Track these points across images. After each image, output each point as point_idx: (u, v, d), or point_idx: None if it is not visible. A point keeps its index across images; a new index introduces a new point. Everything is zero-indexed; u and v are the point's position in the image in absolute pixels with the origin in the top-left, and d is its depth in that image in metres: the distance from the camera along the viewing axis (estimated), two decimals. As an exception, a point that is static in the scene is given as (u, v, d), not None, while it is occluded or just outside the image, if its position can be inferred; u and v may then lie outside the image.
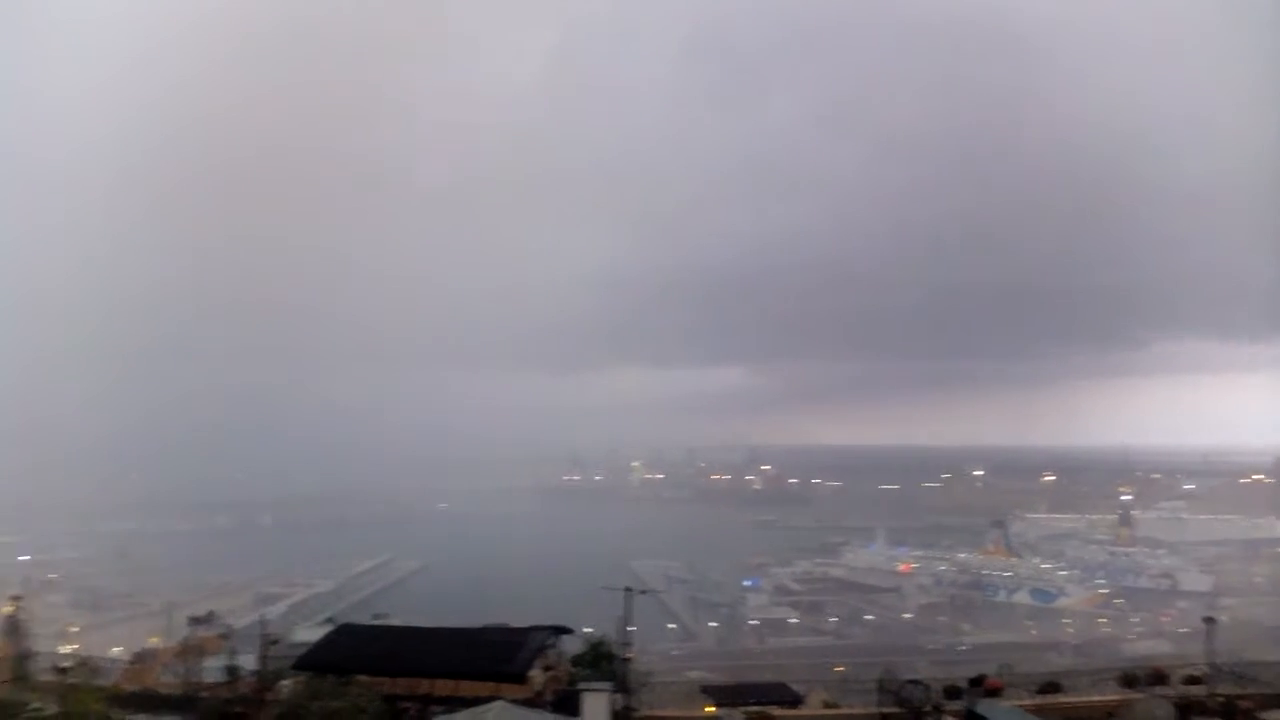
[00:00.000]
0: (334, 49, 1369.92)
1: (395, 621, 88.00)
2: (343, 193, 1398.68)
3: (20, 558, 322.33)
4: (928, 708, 55.94)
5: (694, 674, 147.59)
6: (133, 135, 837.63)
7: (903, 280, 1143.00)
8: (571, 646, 66.46)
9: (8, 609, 72.20)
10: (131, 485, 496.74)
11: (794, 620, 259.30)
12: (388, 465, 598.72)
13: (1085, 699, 62.98)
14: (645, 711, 57.34)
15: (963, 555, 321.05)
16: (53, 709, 48.92)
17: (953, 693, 60.40)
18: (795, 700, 64.00)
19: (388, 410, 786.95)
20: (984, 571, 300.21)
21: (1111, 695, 63.22)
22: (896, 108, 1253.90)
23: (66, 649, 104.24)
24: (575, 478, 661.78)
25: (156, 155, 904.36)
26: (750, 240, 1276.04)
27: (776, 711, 58.03)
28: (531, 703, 51.70)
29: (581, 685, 52.04)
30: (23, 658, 67.84)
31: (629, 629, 64.16)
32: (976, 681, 63.12)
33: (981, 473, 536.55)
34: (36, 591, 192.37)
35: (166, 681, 63.82)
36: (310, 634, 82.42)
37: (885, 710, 56.79)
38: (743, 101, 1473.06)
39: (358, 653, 62.10)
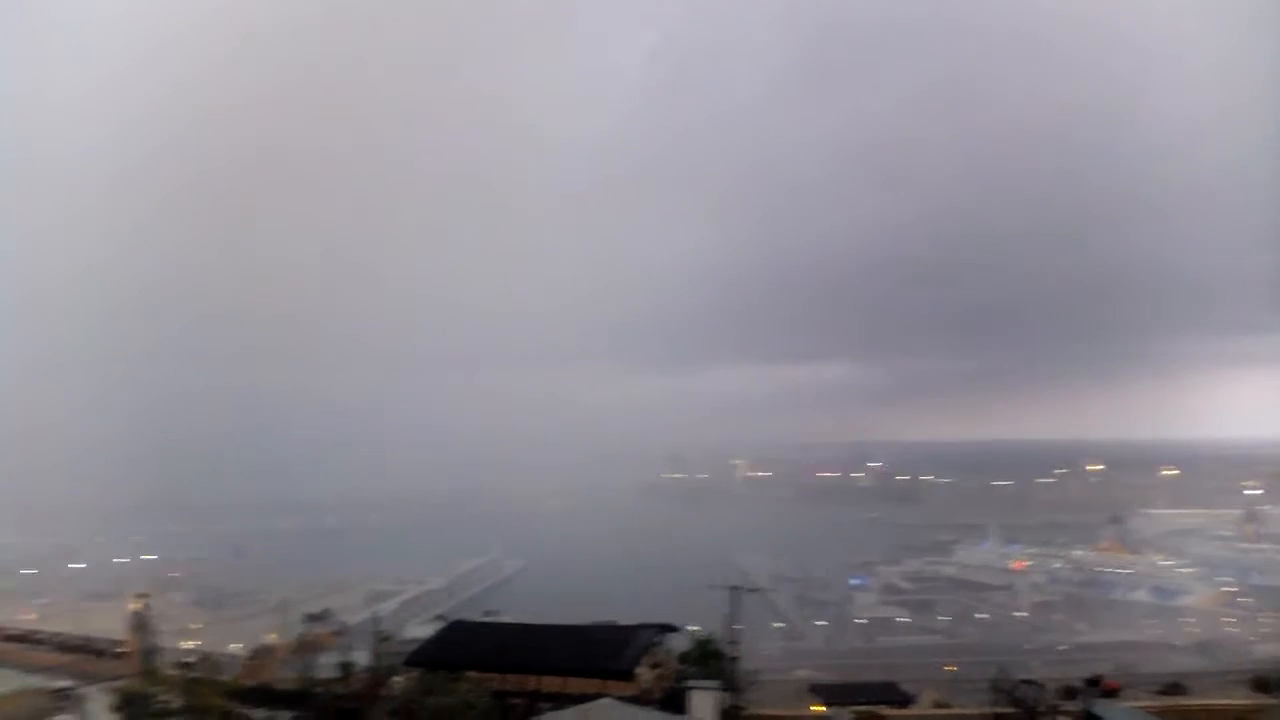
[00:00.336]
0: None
1: (504, 619, 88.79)
2: (425, 200, 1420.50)
3: (145, 557, 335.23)
4: (1043, 708, 54.45)
5: (801, 673, 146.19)
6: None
7: (1012, 271, 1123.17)
8: (678, 644, 66.21)
9: (135, 606, 74.92)
10: (243, 487, 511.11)
11: (903, 619, 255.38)
12: (494, 465, 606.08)
13: (1212, 702, 60.20)
14: (753, 710, 56.95)
15: (1078, 552, 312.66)
16: (178, 702, 50.44)
17: (1069, 693, 58.85)
18: (906, 700, 63.04)
19: (493, 411, 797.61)
20: (1100, 569, 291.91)
21: (1241, 699, 60.60)
22: (999, 96, 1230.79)
23: (189, 645, 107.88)
24: (678, 476, 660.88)
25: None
26: (856, 233, 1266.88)
27: (886, 711, 57.19)
28: (638, 700, 51.60)
29: (689, 683, 51.85)
30: (149, 652, 70.37)
31: (735, 627, 63.82)
32: (1093, 682, 61.47)
33: (1098, 467, 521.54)
34: (160, 589, 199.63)
35: (283, 677, 65.40)
36: (421, 631, 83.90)
37: (999, 710, 55.46)
38: (843, 92, 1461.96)
39: (468, 649, 62.88)
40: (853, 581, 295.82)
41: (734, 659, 60.90)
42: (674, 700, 52.24)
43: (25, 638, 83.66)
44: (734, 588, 65.18)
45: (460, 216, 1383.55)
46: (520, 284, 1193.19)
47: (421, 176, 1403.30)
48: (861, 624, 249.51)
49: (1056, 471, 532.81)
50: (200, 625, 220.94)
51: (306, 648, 69.68)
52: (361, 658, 65.30)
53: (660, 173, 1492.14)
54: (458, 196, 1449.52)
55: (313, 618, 77.02)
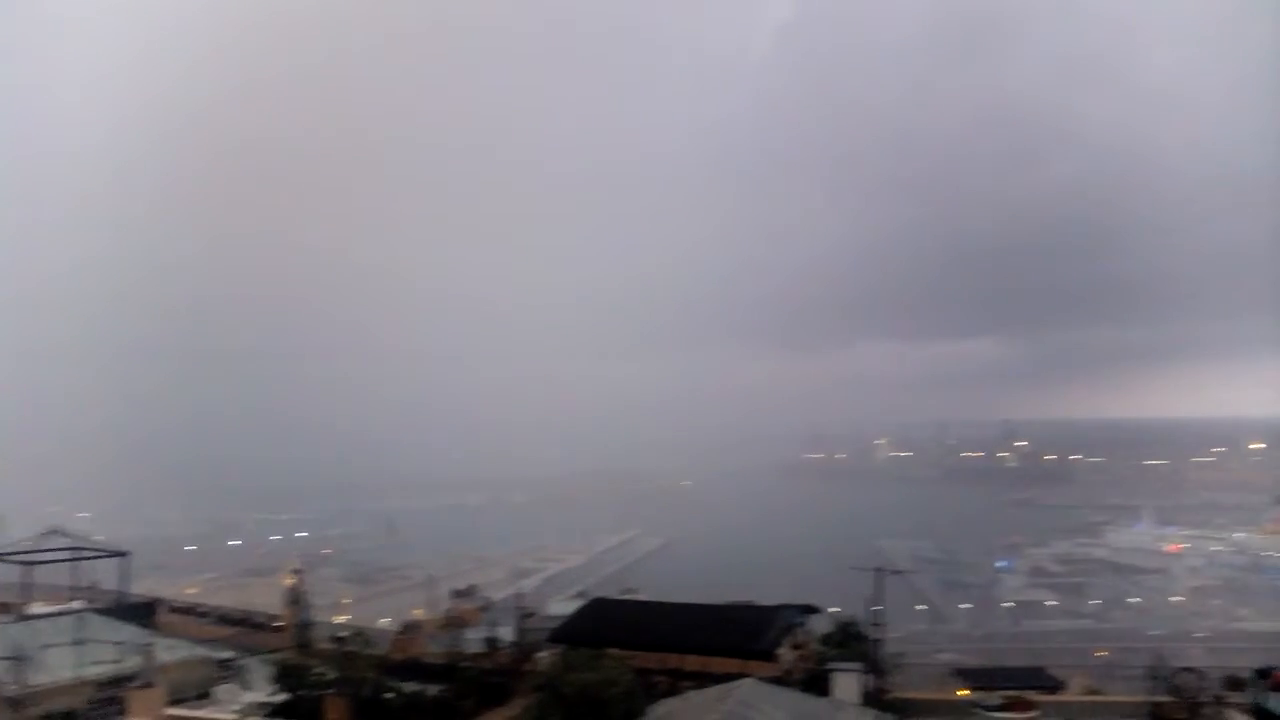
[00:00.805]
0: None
1: (644, 597, 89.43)
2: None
3: (298, 534, 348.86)
4: (1206, 699, 51.98)
5: (946, 656, 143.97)
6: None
7: (1165, 242, 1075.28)
8: (819, 626, 65.62)
9: (289, 581, 77.86)
10: (391, 467, 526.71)
11: (1052, 602, 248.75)
12: (633, 446, 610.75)
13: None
14: (896, 692, 56.01)
15: (1239, 535, 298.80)
16: (332, 674, 52.11)
17: (1234, 684, 55.96)
18: (1055, 685, 61.09)
19: (632, 394, 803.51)
20: (1265, 552, 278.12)
21: None
22: (1152, 58, 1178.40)
23: (341, 619, 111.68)
24: (817, 456, 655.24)
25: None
26: (1001, 204, 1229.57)
27: (1035, 696, 55.51)
28: (780, 681, 51.23)
29: (831, 665, 51.29)
30: (304, 626, 73.04)
31: (878, 609, 62.94)
32: (1264, 673, 58.29)
33: (1261, 446, 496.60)
34: (313, 565, 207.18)
35: (432, 651, 67.05)
36: (563, 607, 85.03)
37: (1157, 699, 53.19)
38: (985, 62, 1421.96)
39: (610, 626, 63.44)
40: (999, 564, 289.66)
41: (877, 641, 60.05)
42: (816, 682, 51.73)
43: (190, 610, 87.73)
44: (876, 569, 64.25)
45: (587, 201, 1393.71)
46: (657, 267, 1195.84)
47: (535, 163, 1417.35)
48: (1008, 607, 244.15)
49: (1215, 450, 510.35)
50: (351, 600, 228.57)
51: (453, 623, 71.38)
52: (506, 633, 66.64)
53: (796, 152, 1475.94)
54: (584, 180, 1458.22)
55: (459, 594, 78.89)
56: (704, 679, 51.93)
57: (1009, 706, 51.71)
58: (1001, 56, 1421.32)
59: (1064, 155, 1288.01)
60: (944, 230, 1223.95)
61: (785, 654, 58.64)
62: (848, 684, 47.88)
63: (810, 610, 66.13)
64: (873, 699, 49.65)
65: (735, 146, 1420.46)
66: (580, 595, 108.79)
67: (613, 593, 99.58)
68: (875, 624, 61.45)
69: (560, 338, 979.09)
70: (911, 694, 57.27)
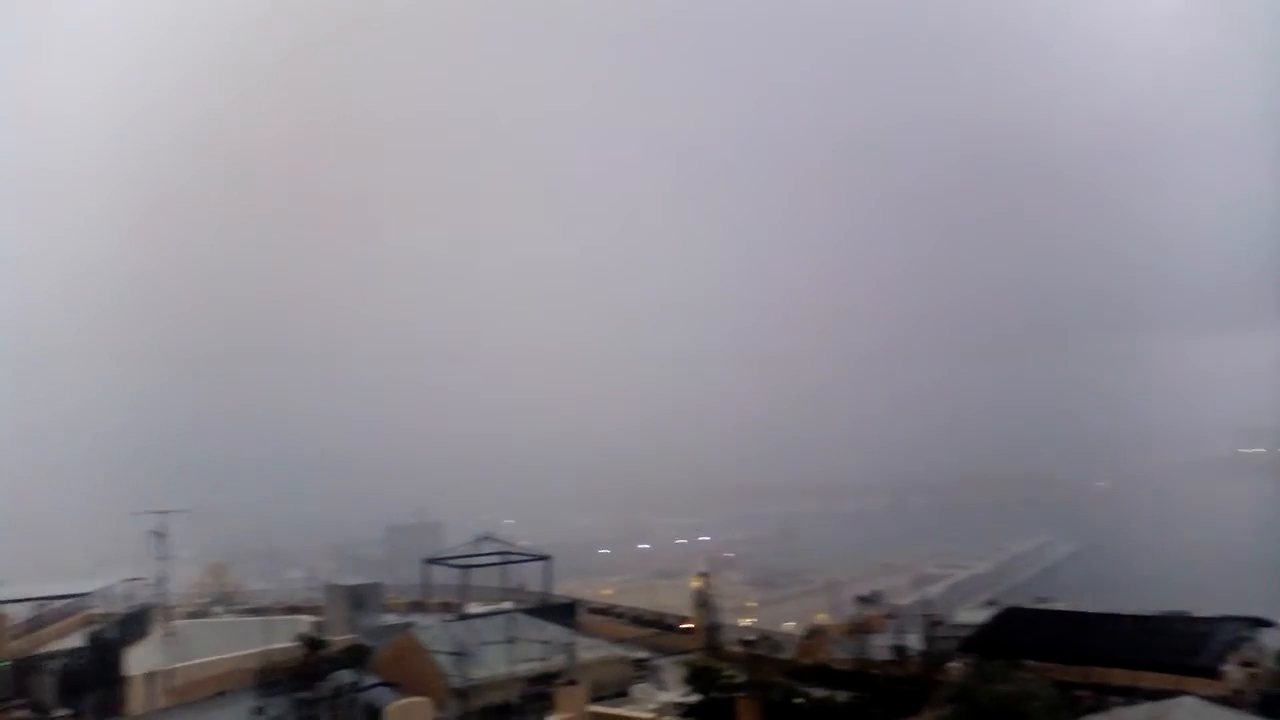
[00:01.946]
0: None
1: (1060, 606, 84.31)
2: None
3: (700, 538, 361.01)
4: None
5: None
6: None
7: None
8: (1274, 642, 58.55)
9: (697, 584, 79.97)
10: (789, 469, 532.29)
11: None
12: (1037, 445, 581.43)
13: None
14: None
15: None
16: (741, 677, 52.64)
17: None
18: None
19: (1031, 390, 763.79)
20: None
21: None
22: None
23: (745, 622, 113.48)
24: (1258, 450, 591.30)
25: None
26: None
27: None
28: (1228, 701, 46.00)
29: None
30: (713, 629, 74.58)
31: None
32: None
33: None
34: (717, 569, 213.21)
35: (838, 657, 66.30)
36: (971, 616, 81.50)
37: None
38: None
39: (1026, 637, 60.58)
40: None
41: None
42: (1272, 705, 46.08)
43: (606, 611, 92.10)
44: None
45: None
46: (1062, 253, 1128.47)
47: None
48: None
49: None
50: (754, 604, 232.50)
51: (859, 629, 70.27)
52: (913, 641, 64.61)
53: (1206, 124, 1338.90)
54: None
55: (863, 599, 77.61)
56: (1133, 695, 47.86)
57: None
58: None
59: None
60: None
61: (1233, 671, 52.66)
62: (1317, 707, 42.29)
63: (1262, 624, 59.22)
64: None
65: (1117, 129, 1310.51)
66: (990, 604, 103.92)
67: (1025, 601, 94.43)
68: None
69: (945, 335, 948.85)
70: None
